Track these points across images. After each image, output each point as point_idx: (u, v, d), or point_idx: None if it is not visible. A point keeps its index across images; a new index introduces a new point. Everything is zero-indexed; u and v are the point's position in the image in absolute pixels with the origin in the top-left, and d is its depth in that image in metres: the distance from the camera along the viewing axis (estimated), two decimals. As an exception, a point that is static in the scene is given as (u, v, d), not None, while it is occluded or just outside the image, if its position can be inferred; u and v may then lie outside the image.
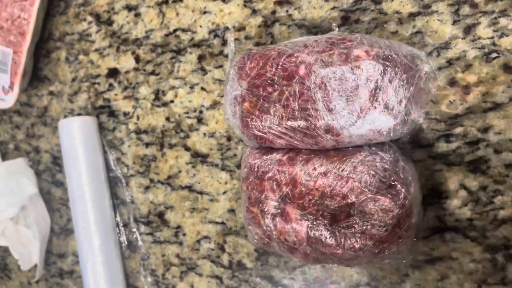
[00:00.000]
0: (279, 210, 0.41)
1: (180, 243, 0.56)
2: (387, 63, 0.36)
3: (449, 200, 0.40)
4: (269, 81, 0.40)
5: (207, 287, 0.53)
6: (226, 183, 0.52)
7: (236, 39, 0.51)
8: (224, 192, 0.52)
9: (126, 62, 0.60)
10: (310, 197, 0.39)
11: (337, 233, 0.38)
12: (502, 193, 0.38)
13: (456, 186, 0.40)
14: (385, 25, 0.42)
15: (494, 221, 0.38)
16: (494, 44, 0.38)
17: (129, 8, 0.59)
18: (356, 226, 0.37)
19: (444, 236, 0.40)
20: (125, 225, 0.60)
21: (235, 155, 0.52)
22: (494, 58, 0.38)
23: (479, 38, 0.39)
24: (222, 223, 0.52)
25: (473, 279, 0.40)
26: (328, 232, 0.38)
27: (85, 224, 0.57)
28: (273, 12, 0.48)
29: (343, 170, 0.38)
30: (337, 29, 0.44)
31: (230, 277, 0.52)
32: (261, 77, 0.40)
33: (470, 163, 0.39)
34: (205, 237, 0.54)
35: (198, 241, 0.54)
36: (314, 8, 0.46)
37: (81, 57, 0.64)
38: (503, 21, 0.38)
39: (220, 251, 0.53)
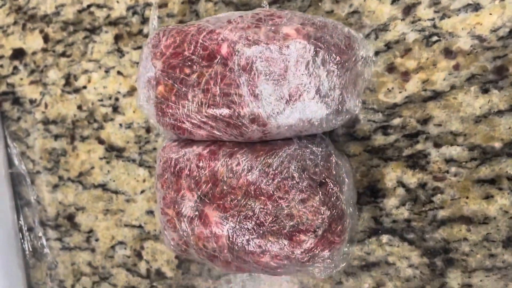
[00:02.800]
0: (197, 212, 0.35)
1: (92, 250, 0.49)
2: (319, 44, 0.32)
3: (386, 199, 0.36)
4: (187, 61, 0.34)
5: (122, 299, 0.47)
6: (144, 181, 0.46)
7: (158, 17, 0.45)
8: (142, 191, 0.46)
9: (33, 42, 0.52)
10: (232, 197, 0.34)
11: (261, 238, 0.33)
12: (441, 191, 0.34)
13: (394, 183, 0.36)
14: (319, 4, 0.38)
15: (433, 222, 0.35)
16: (435, 26, 0.34)
17: (36, -21, 0.51)
18: (282, 230, 0.32)
19: (380, 239, 0.36)
20: (30, 230, 0.52)
21: (154, 149, 0.45)
22: (435, 42, 0.34)
23: (419, 19, 0.35)
24: (140, 226, 0.46)
25: (410, 286, 0.36)
26: (252, 238, 0.33)
27: (-22, 229, 0.49)
28: (198, -13, 0.43)
29: (269, 165, 0.33)
30: (268, 7, 0.39)
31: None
32: (178, 56, 0.35)
33: (409, 158, 0.35)
34: (121, 243, 0.47)
35: (113, 247, 0.47)
36: (243, -17, 0.41)
37: (-19, 35, 0.55)
38: (444, 0, 0.34)
39: (137, 258, 0.46)
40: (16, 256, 0.51)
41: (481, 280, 0.34)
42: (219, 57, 0.33)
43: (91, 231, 0.49)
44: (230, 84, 0.33)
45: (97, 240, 0.48)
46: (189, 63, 0.34)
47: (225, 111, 0.33)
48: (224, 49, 0.33)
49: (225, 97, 0.33)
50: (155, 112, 0.36)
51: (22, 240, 0.52)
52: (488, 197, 0.33)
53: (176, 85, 0.34)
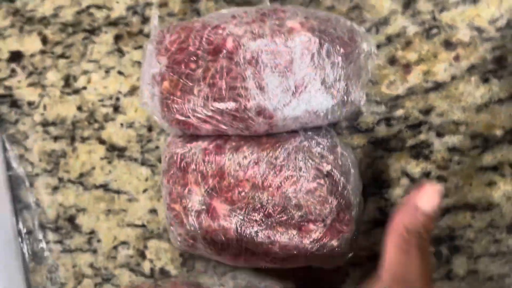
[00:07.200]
0: (204, 206, 0.35)
1: (94, 251, 0.48)
2: (323, 36, 0.32)
3: (391, 189, 0.37)
4: (192, 56, 0.35)
5: (125, 300, 0.47)
6: (146, 179, 0.46)
7: (158, 16, 0.45)
8: (145, 190, 0.46)
9: (32, 44, 0.52)
10: (240, 189, 0.34)
11: (270, 229, 0.33)
12: (445, 179, 0.35)
13: (398, 173, 0.37)
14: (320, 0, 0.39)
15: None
16: (434, 19, 0.35)
17: (34, -19, 0.51)
18: (291, 221, 0.33)
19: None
20: (29, 233, 0.51)
21: (157, 147, 0.45)
22: (435, 35, 0.35)
23: (419, 12, 0.36)
24: (143, 225, 0.46)
25: (417, 275, 0.36)
26: (261, 229, 0.33)
27: (-23, 234, 0.48)
28: (199, -14, 0.43)
29: (276, 157, 0.34)
30: (268, 3, 0.39)
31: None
32: (183, 51, 0.35)
33: (412, 148, 0.36)
34: (123, 243, 0.47)
35: (115, 247, 0.47)
36: (244, -19, 0.41)
37: (-23, 38, 0.55)
38: (443, -6, 0.35)
39: (140, 257, 0.46)
40: (15, 260, 0.50)
41: (486, 266, 0.34)
42: (224, 51, 0.33)
43: (92, 232, 0.48)
44: (236, 77, 0.33)
45: (99, 241, 0.48)
46: (194, 58, 0.34)
47: (231, 105, 0.34)
48: (229, 43, 0.33)
49: (231, 90, 0.33)
50: (160, 108, 0.36)
51: (22, 244, 0.51)
52: (491, 184, 0.34)
53: (181, 80, 0.35)
